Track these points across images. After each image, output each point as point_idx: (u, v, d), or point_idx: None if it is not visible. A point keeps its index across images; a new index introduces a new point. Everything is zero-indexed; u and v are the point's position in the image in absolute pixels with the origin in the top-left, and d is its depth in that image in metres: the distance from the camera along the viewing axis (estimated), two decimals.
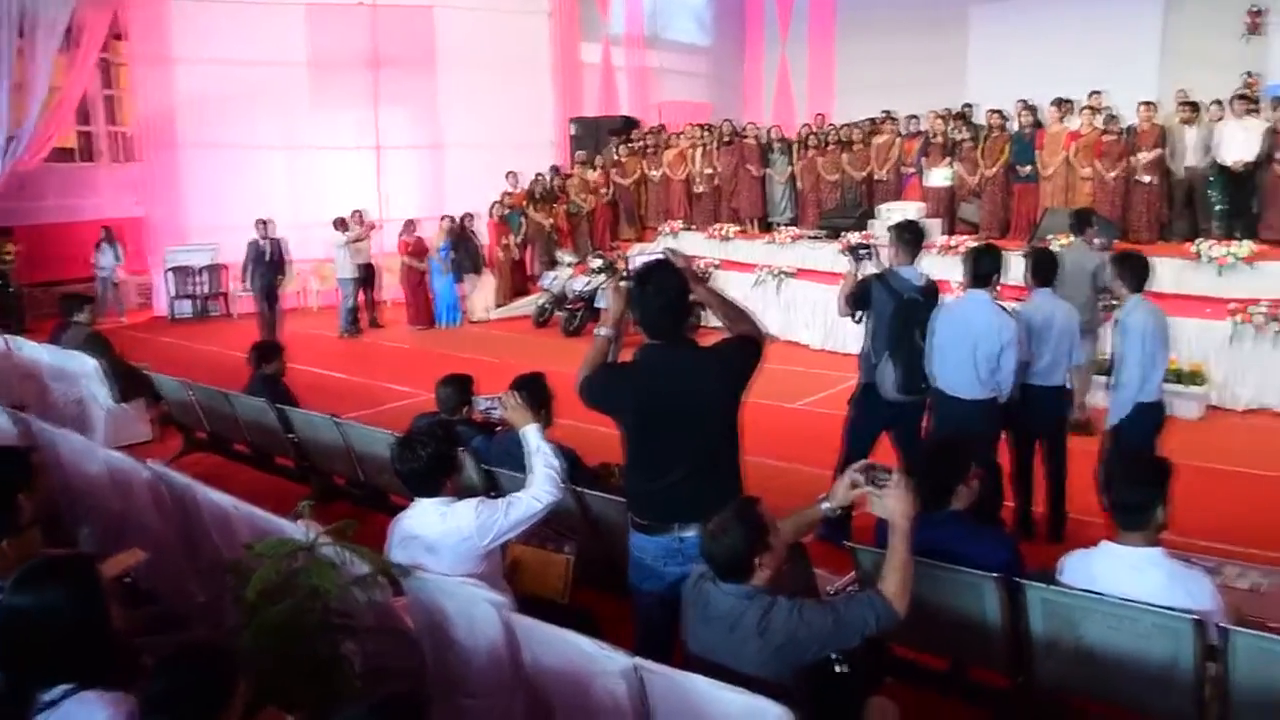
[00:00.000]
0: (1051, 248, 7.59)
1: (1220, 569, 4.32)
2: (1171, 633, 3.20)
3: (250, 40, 14.97)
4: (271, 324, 12.31)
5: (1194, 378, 8.44)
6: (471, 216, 14.29)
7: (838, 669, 3.00)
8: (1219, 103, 10.97)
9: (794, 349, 11.19)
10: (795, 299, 11.39)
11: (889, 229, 5.80)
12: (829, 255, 11.42)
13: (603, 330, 3.55)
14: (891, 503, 3.00)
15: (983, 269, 5.22)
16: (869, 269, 5.73)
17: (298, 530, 3.35)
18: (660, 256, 3.49)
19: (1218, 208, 10.81)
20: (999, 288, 5.31)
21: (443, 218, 14.05)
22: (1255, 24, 14.99)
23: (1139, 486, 3.34)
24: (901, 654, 3.92)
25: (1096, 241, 7.95)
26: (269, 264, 12.52)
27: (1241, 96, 11.04)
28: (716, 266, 11.84)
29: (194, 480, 4.42)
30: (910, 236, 5.51)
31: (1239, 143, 10.54)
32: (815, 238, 12.19)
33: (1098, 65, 13.68)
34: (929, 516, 3.58)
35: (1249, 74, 13.89)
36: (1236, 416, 8.57)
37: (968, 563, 3.50)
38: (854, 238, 10.23)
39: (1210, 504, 6.14)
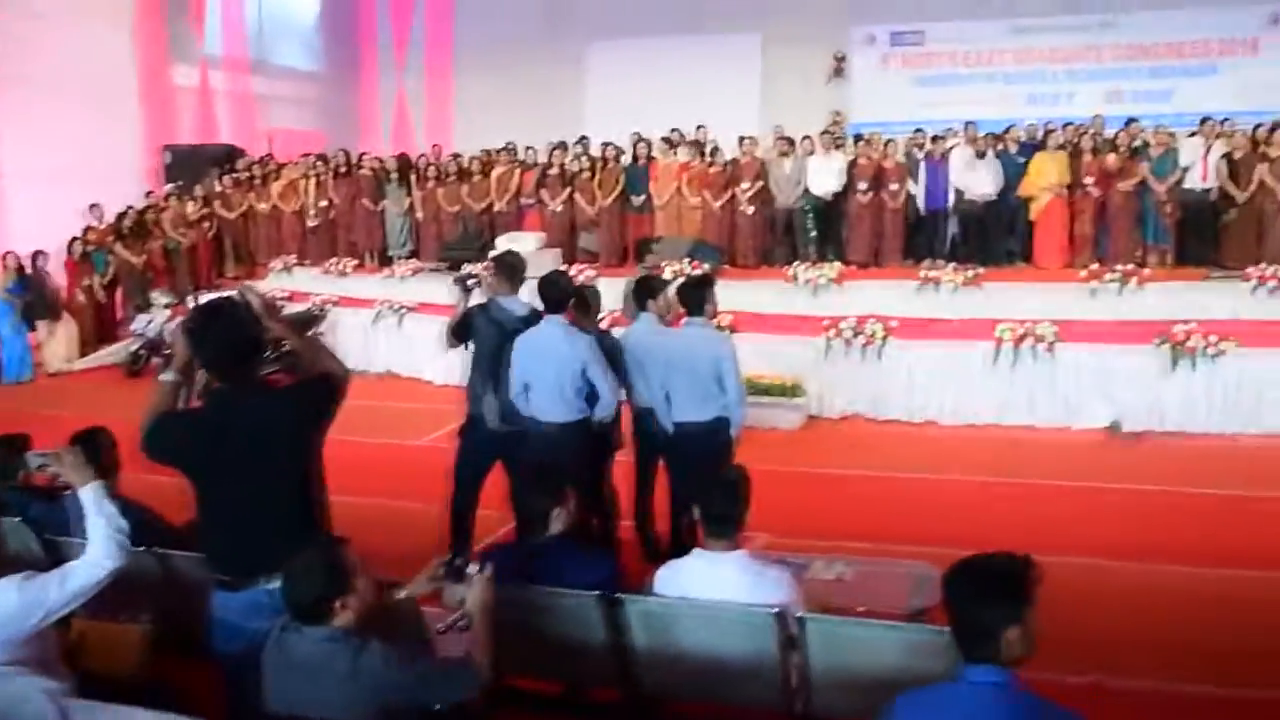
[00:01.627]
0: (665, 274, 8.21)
1: (810, 563, 4.83)
2: (754, 628, 3.53)
3: None
4: None
5: (794, 390, 9.35)
6: (44, 255, 12.89)
7: (437, 706, 3.02)
8: (809, 138, 12.28)
9: (417, 385, 11.18)
10: (417, 334, 11.37)
11: (490, 259, 5.94)
12: (450, 288, 11.53)
13: (167, 375, 3.36)
14: (472, 597, 3.11)
15: (550, 296, 5.46)
16: (477, 300, 5.85)
17: None
18: (227, 295, 3.38)
19: (812, 234, 12.11)
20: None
21: (4, 255, 12.48)
22: (839, 68, 16.95)
23: (722, 498, 3.68)
24: (516, 684, 4.00)
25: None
26: None
27: (826, 133, 12.47)
28: (335, 304, 11.57)
29: None
30: (510, 266, 5.70)
31: (826, 175, 11.88)
32: (436, 270, 12.26)
33: (705, 102, 14.86)
34: (531, 543, 3.73)
35: (836, 113, 15.78)
36: (831, 424, 9.57)
37: (571, 585, 3.66)
38: (474, 269, 10.40)
39: (809, 505, 6.83)
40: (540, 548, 3.68)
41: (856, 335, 9.58)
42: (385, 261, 13.30)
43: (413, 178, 13.65)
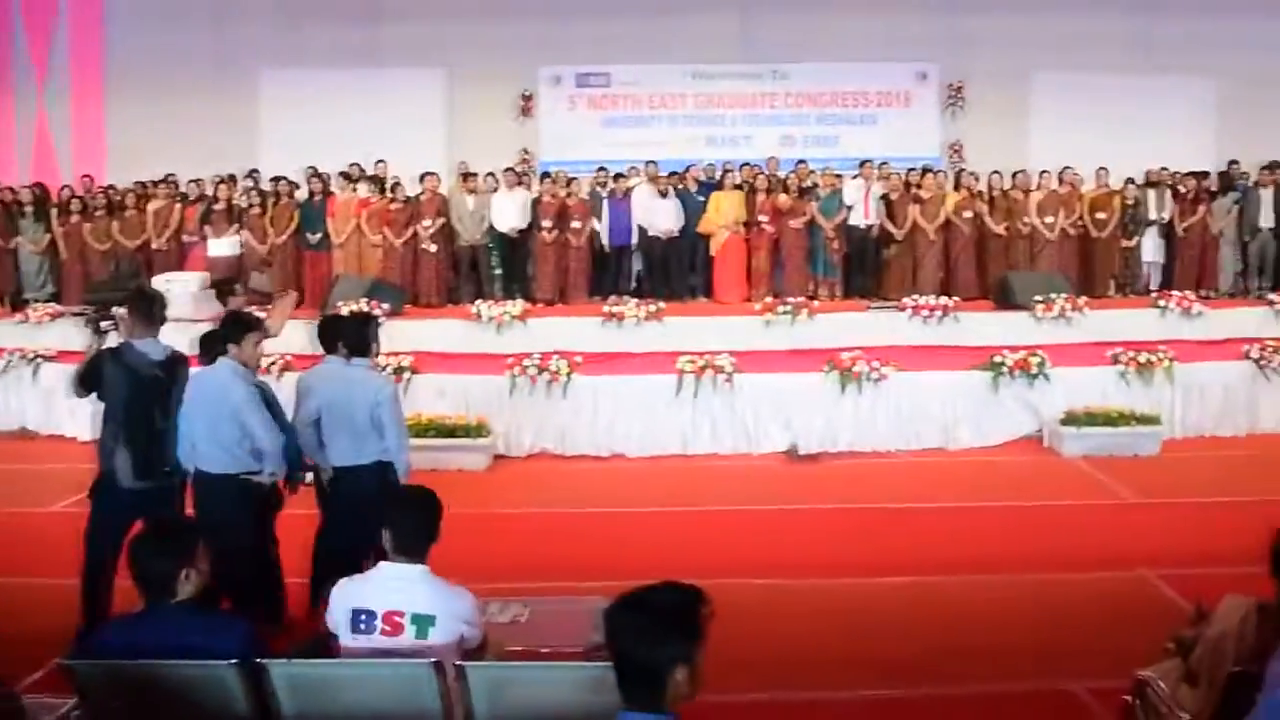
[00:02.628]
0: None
1: (485, 607, 4.70)
2: (412, 682, 3.35)
3: None
4: None
5: (479, 430, 9.21)
6: None
7: None
8: (492, 174, 12.26)
9: (57, 443, 10.11)
10: (57, 386, 10.26)
11: (127, 300, 5.44)
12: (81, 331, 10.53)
13: None
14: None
15: (212, 340, 5.22)
16: (112, 343, 5.33)
17: None
18: None
19: (497, 271, 12.09)
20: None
21: None
22: (525, 107, 17.06)
23: (411, 516, 3.65)
24: None
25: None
26: None
27: (510, 169, 12.51)
28: None
29: None
30: (147, 306, 5.24)
31: (510, 212, 11.89)
32: (80, 315, 11.15)
33: (388, 138, 14.51)
34: (150, 613, 3.35)
35: (524, 151, 15.85)
36: (519, 463, 9.52)
37: (203, 654, 3.32)
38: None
39: (494, 547, 6.69)
40: (162, 615, 3.31)
41: (541, 372, 9.59)
42: (19, 305, 11.95)
43: (53, 212, 12.41)
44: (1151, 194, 12.52)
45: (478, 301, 10.61)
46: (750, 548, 7.04)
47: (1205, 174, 12.72)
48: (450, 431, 9.15)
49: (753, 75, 16.51)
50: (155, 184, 12.61)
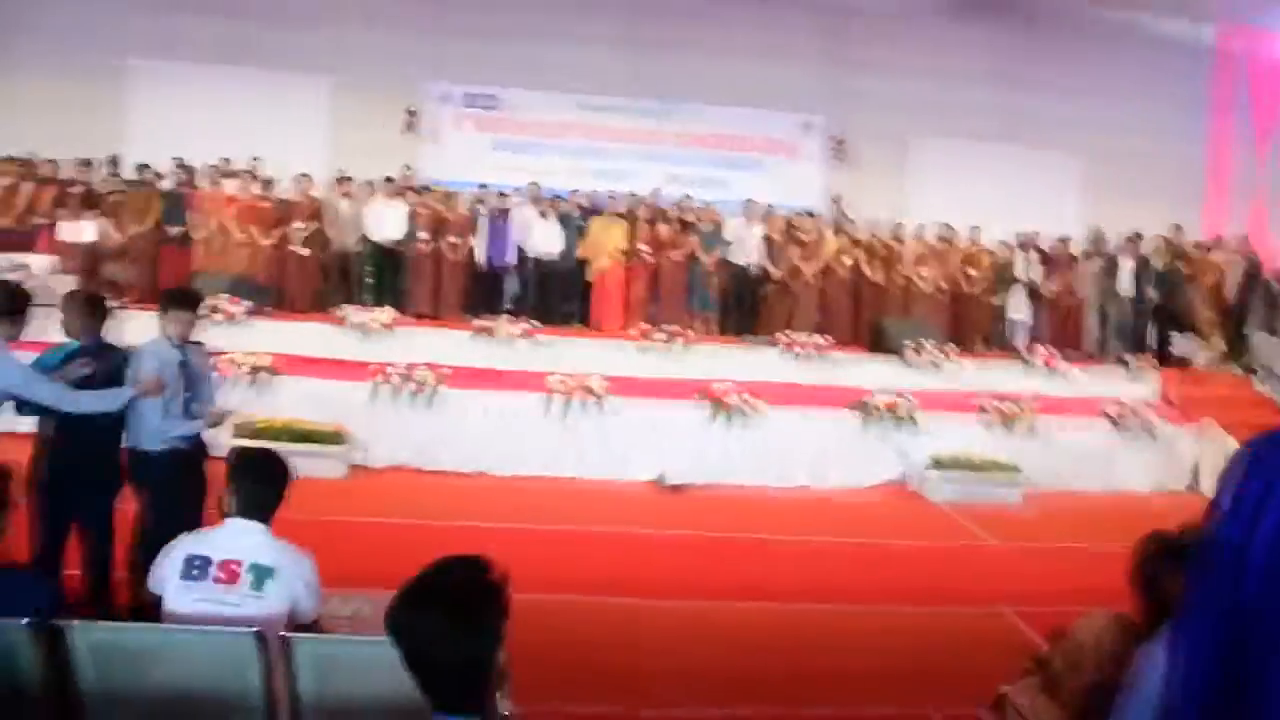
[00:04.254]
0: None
1: (327, 600, 4.40)
2: (235, 651, 3.07)
3: None
4: None
5: (336, 438, 8.83)
6: None
7: None
8: (370, 183, 11.94)
9: None
10: None
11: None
12: None
13: None
14: None
15: None
16: None
17: None
18: None
19: (369, 281, 11.73)
20: None
21: None
22: (411, 123, 16.77)
23: (257, 476, 3.54)
24: None
25: None
26: None
27: (389, 179, 12.19)
28: None
29: None
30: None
31: (386, 221, 11.58)
32: None
33: (268, 142, 14.03)
34: None
35: (407, 167, 15.55)
36: (377, 474, 9.15)
37: None
38: None
39: (342, 553, 6.31)
40: None
41: (406, 382, 9.27)
42: None
43: None
44: (1021, 255, 12.95)
45: (345, 306, 10.21)
46: (613, 568, 6.90)
47: (1069, 239, 13.23)
48: (305, 436, 8.74)
49: (642, 111, 16.56)
50: (3, 160, 11.86)
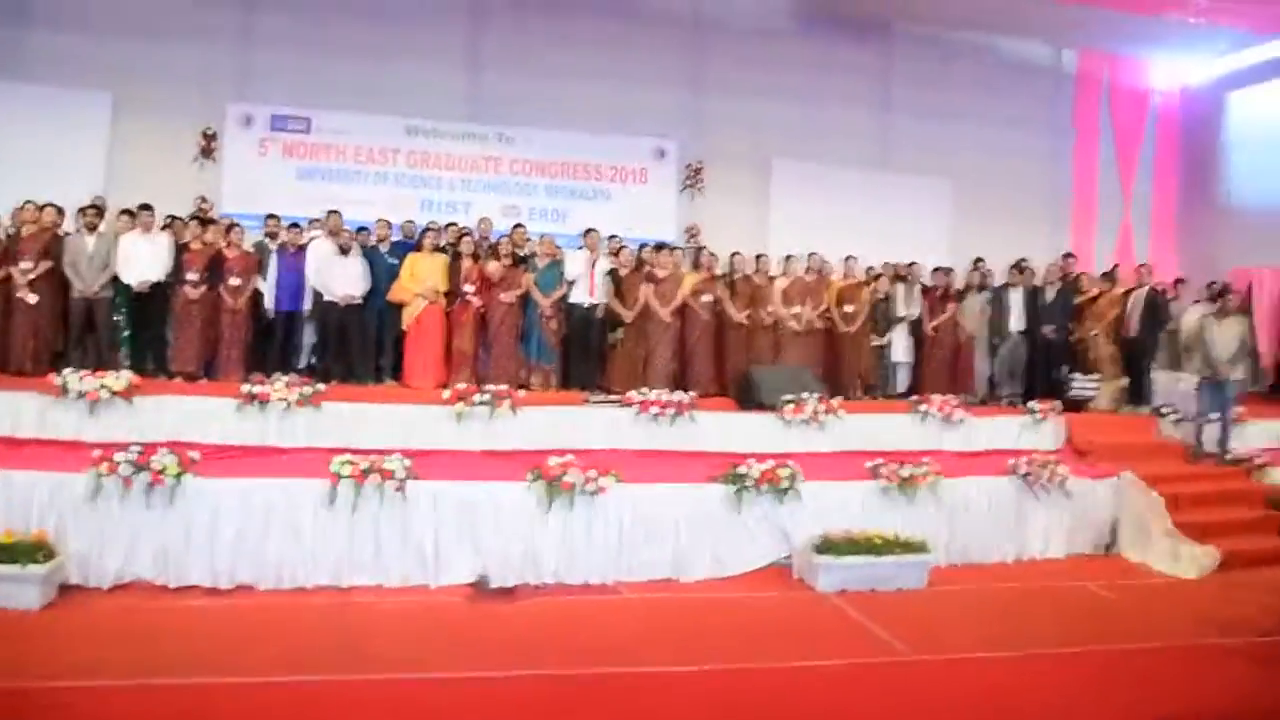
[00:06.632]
0: None
1: None
2: None
3: None
4: None
5: (39, 551, 6.29)
6: None
7: None
8: (129, 212, 9.39)
9: None
10: None
11: None
12: None
13: None
14: None
15: None
16: None
17: None
18: None
19: (124, 333, 9.17)
20: None
21: None
22: (208, 148, 14.22)
23: None
24: None
25: None
26: None
27: (145, 207, 9.53)
28: None
29: None
30: None
31: (143, 260, 9.04)
32: None
33: (36, 168, 11.58)
34: None
35: (202, 198, 13.05)
36: (100, 597, 6.62)
37: None
38: None
39: None
40: None
41: (140, 470, 6.74)
42: None
43: None
44: (900, 289, 11.17)
45: (65, 370, 7.55)
46: None
47: (950, 270, 11.51)
48: None
49: (477, 136, 14.47)
50: None
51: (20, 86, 13.16)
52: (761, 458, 8.05)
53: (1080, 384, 10.66)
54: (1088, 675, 6.00)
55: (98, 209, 9.29)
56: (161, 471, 6.76)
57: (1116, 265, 12.59)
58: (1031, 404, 9.75)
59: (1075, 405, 10.48)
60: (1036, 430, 9.56)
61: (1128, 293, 11.24)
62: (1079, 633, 6.79)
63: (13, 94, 13.05)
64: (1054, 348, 10.84)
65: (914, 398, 9.69)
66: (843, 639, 6.58)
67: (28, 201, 9.07)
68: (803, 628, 6.76)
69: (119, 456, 6.77)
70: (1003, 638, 6.62)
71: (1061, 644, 6.50)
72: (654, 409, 8.39)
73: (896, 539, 7.74)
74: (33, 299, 8.75)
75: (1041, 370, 10.84)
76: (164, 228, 9.79)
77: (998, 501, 8.71)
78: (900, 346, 11.08)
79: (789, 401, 8.67)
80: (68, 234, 9.12)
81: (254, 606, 6.67)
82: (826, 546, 7.57)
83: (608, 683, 5.57)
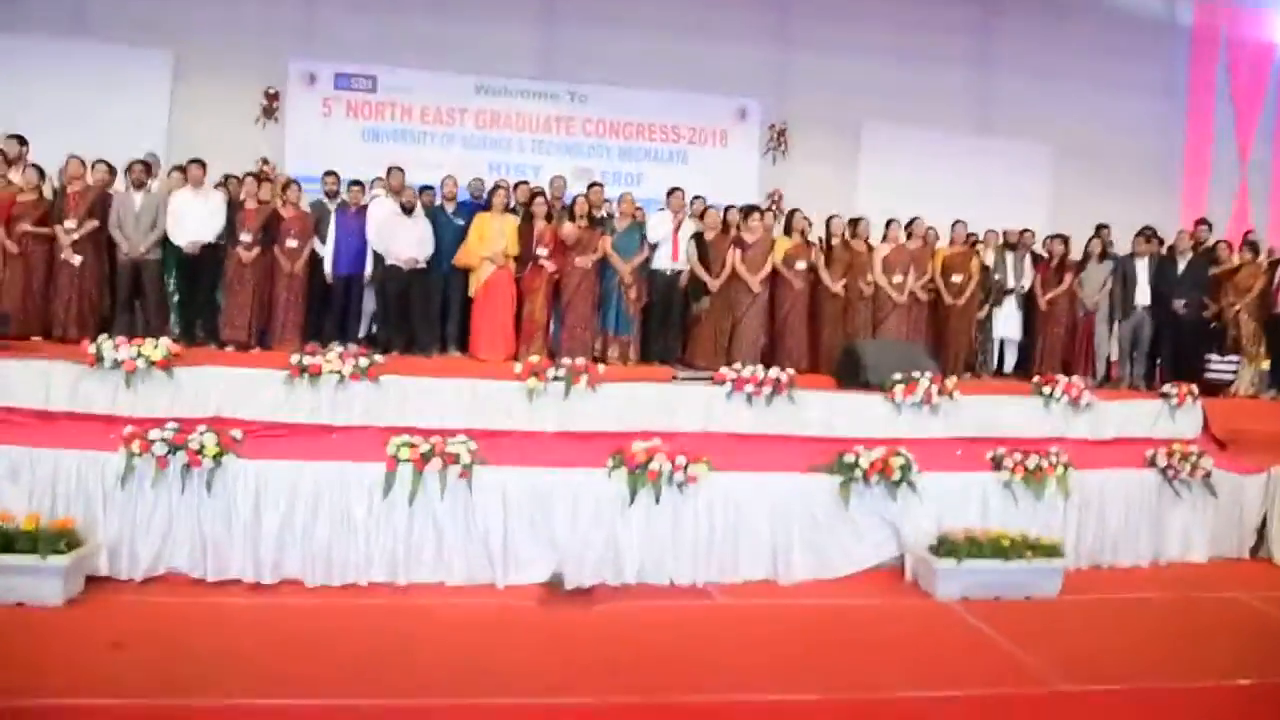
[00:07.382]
0: None
1: None
2: None
3: None
4: None
5: (59, 539, 5.52)
6: None
7: None
8: (180, 169, 8.64)
9: None
10: None
11: None
12: None
13: None
14: None
15: None
16: None
17: None
18: None
19: (174, 298, 8.48)
20: None
21: None
22: (270, 108, 13.53)
23: None
24: None
25: None
26: None
27: (195, 161, 8.70)
28: None
29: None
30: None
31: (195, 219, 8.27)
32: None
33: (96, 125, 11.31)
34: None
35: (264, 160, 12.43)
36: (129, 591, 5.84)
37: None
38: None
39: None
40: None
41: (175, 450, 5.93)
42: None
43: None
44: (1010, 258, 9.99)
45: (101, 337, 6.74)
46: None
47: (1067, 238, 10.27)
48: (6, 542, 5.40)
49: (548, 95, 13.60)
50: None
51: (81, 44, 12.59)
52: (870, 444, 7.02)
53: (1218, 365, 9.43)
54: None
55: (146, 165, 8.49)
56: (199, 451, 5.95)
57: (1248, 232, 11.22)
58: (1166, 387, 8.54)
59: (1211, 389, 9.25)
60: (1173, 417, 8.37)
61: (1275, 263, 9.90)
62: (1249, 658, 5.70)
63: (74, 52, 12.49)
64: (1186, 324, 9.57)
65: (1036, 379, 8.52)
66: (976, 660, 5.56)
67: (73, 156, 8.30)
68: (927, 645, 5.75)
69: (153, 434, 5.96)
70: (1163, 663, 5.58)
71: (1233, 673, 5.42)
72: (748, 387, 7.37)
73: (1025, 540, 6.68)
74: (76, 260, 8.00)
75: (1170, 349, 9.60)
76: (218, 185, 9.02)
77: (1134, 497, 7.59)
78: (1010, 321, 9.90)
79: (900, 381, 7.60)
80: (117, 192, 8.41)
81: (299, 607, 5.83)
82: (947, 548, 6.54)
83: (701, 716, 4.63)
